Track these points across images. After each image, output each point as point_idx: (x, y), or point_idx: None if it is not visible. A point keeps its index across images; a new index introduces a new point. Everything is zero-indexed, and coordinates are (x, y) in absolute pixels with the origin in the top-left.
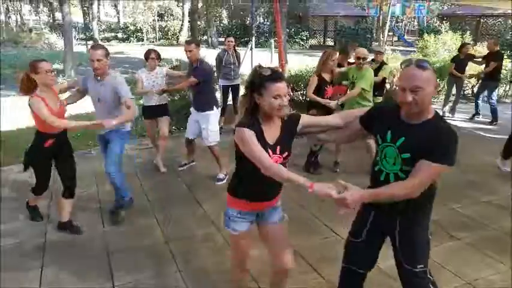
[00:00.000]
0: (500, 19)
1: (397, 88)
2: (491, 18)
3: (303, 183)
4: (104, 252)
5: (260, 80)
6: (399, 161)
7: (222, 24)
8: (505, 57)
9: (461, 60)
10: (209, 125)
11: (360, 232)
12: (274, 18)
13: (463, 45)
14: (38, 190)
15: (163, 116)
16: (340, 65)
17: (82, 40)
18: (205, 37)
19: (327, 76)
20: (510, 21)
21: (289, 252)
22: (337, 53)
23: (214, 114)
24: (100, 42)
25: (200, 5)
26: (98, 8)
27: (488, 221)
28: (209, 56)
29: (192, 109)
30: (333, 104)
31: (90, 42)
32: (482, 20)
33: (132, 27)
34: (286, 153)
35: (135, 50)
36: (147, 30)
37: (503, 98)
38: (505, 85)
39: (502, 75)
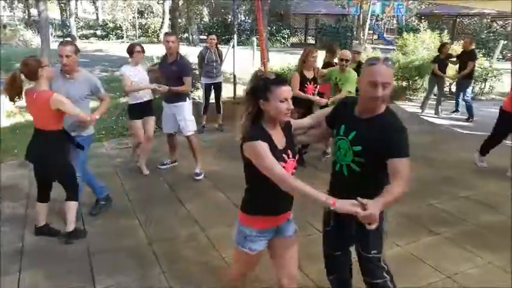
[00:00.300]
0: (475, 18)
1: (365, 85)
2: (467, 17)
3: (324, 201)
4: (85, 255)
5: (265, 84)
6: (350, 153)
7: (203, 22)
8: (480, 55)
9: (442, 60)
10: (185, 115)
11: (328, 223)
12: (256, 16)
13: (443, 45)
14: (76, 192)
15: (150, 116)
16: (329, 64)
17: (59, 37)
18: (186, 35)
19: (308, 73)
20: (485, 21)
21: (296, 265)
22: (317, 50)
23: (188, 103)
24: (78, 39)
25: (181, 2)
26: (76, 5)
27: (467, 216)
28: (190, 53)
29: (164, 103)
30: (323, 101)
31: (68, 40)
32: (458, 20)
33: (111, 25)
34: (296, 156)
35: (115, 48)
36: (127, 28)
37: (478, 95)
38: (480, 83)
39: (477, 73)
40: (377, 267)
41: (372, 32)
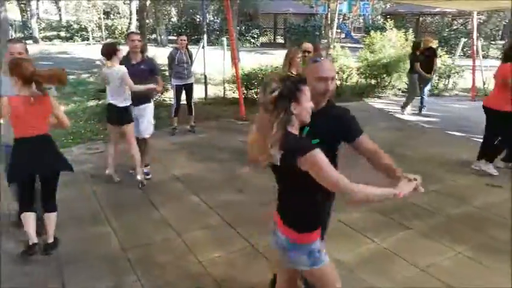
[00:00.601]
0: (437, 17)
1: (314, 81)
2: (429, 16)
3: (391, 192)
4: (56, 264)
5: (294, 84)
6: None
7: (171, 22)
8: (443, 53)
9: (418, 57)
10: (149, 116)
11: None
12: (225, 16)
13: (418, 42)
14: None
15: None
16: None
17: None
18: (154, 35)
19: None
20: (446, 19)
21: None
22: (300, 51)
23: (151, 106)
24: (41, 41)
25: (148, 2)
26: (37, 5)
27: (437, 209)
28: (159, 55)
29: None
30: None
31: (30, 42)
32: (421, 18)
33: (75, 26)
34: None
35: (80, 50)
36: (93, 29)
37: (443, 91)
38: (444, 79)
39: (441, 70)
40: None
41: (339, 31)
